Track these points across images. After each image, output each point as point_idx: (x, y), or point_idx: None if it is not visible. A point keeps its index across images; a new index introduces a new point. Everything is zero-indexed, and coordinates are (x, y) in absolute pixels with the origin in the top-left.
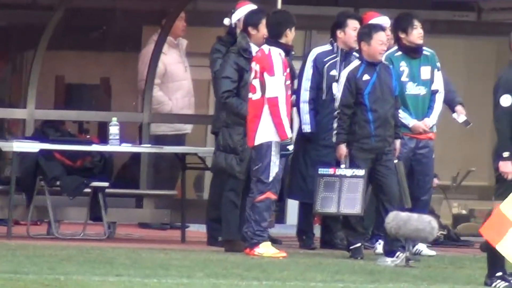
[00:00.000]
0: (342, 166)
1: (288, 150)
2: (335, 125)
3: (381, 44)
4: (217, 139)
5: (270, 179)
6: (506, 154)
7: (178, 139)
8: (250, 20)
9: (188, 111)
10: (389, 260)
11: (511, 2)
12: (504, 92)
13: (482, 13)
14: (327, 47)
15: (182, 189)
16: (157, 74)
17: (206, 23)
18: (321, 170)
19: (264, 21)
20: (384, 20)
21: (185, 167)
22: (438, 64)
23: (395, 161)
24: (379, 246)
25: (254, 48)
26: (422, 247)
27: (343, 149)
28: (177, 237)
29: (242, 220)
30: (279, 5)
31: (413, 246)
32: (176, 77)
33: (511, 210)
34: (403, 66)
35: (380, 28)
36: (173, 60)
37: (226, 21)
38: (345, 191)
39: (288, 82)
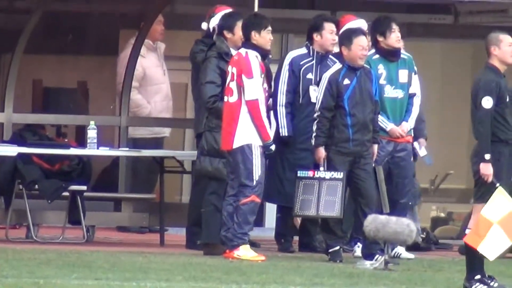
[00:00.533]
0: (321, 169)
1: (271, 150)
2: (314, 127)
3: (361, 49)
4: (200, 143)
5: (254, 182)
6: (487, 156)
7: (156, 143)
8: (225, 23)
9: (167, 115)
10: (368, 263)
11: (488, 5)
12: (485, 94)
13: (459, 16)
14: (303, 50)
15: (160, 192)
16: (136, 77)
17: (184, 26)
18: (300, 173)
19: (239, 24)
20: (361, 23)
21: (163, 171)
22: (415, 68)
23: (374, 165)
24: (358, 249)
25: (233, 52)
26: (401, 250)
27: (322, 151)
28: (155, 240)
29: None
30: (256, 9)
31: (392, 249)
32: (155, 80)
33: (492, 212)
34: (381, 69)
35: (361, 32)
36: (151, 64)
37: (204, 25)
38: (324, 194)
39: (265, 85)
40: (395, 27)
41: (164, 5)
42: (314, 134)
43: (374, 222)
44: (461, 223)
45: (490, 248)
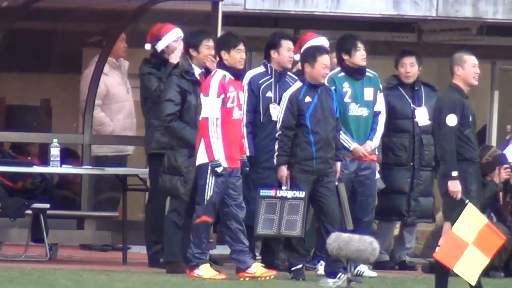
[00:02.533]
0: (284, 188)
1: (216, 171)
2: (276, 146)
3: (324, 67)
4: (162, 161)
5: (205, 202)
6: (455, 173)
7: (120, 160)
8: (190, 41)
9: (130, 132)
10: (330, 281)
11: (451, 24)
12: (449, 112)
13: (422, 34)
14: (261, 68)
15: (123, 210)
16: (99, 95)
17: (142, 44)
18: (263, 192)
19: (205, 43)
20: (322, 41)
21: (126, 189)
22: (381, 86)
23: (337, 183)
24: (321, 267)
25: (196, 70)
26: (363, 268)
27: (284, 170)
28: (118, 258)
29: (185, 242)
30: (219, 28)
31: (355, 267)
32: (118, 98)
33: (464, 230)
34: (346, 87)
35: (324, 51)
36: (115, 81)
37: (147, 46)
38: (286, 213)
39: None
40: (360, 45)
41: (128, 23)
42: (276, 153)
43: (337, 240)
44: (424, 241)
45: (468, 270)
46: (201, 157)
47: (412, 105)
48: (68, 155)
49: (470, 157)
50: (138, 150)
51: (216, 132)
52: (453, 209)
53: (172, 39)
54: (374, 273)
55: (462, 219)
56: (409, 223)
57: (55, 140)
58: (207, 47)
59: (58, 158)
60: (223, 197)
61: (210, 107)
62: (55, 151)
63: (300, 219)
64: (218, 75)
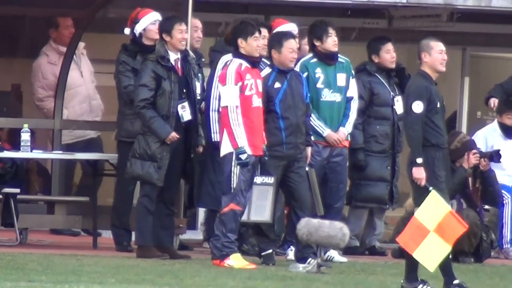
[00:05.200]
0: None
1: (241, 159)
2: None
3: (291, 51)
4: (133, 146)
5: (232, 190)
6: (419, 160)
7: (88, 145)
8: (163, 27)
9: (89, 116)
10: (300, 266)
11: (421, 10)
12: (415, 99)
13: (392, 20)
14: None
15: (93, 195)
16: (48, 86)
17: (115, 30)
18: None
19: (177, 27)
20: (291, 27)
21: (97, 174)
22: (353, 72)
23: (307, 168)
24: (291, 253)
25: (172, 56)
26: (333, 254)
27: None
28: (88, 243)
29: (156, 227)
30: (189, 12)
31: (325, 253)
32: (70, 85)
33: (426, 217)
34: (319, 73)
35: (290, 35)
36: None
37: (126, 31)
38: (255, 199)
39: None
40: (331, 31)
41: (97, 9)
42: None
43: (307, 225)
44: (394, 227)
45: (427, 257)
46: (225, 147)
47: (391, 93)
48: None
49: (437, 143)
50: (107, 136)
51: (237, 119)
52: (420, 196)
53: (149, 21)
54: (344, 259)
55: (424, 206)
56: (392, 210)
57: (25, 125)
58: (179, 31)
59: (29, 143)
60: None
61: (228, 95)
62: (25, 136)
63: (269, 205)
64: (234, 64)
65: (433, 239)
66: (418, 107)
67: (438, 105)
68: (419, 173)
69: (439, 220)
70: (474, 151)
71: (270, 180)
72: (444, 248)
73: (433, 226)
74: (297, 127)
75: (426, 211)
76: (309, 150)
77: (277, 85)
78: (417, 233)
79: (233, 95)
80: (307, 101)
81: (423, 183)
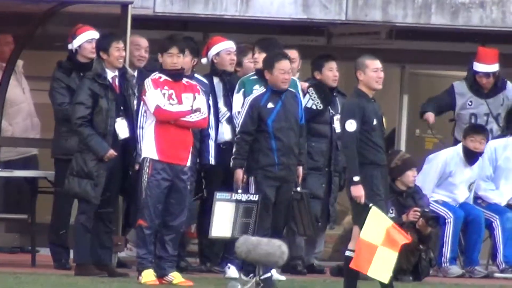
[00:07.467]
0: (239, 191)
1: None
2: (234, 150)
3: (283, 73)
4: (70, 163)
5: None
6: (356, 178)
7: (25, 162)
8: (100, 44)
9: (32, 133)
10: (239, 285)
11: (360, 28)
12: (348, 118)
13: (331, 38)
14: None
15: (31, 213)
16: None
17: (51, 47)
18: (219, 195)
19: (114, 45)
20: (229, 45)
21: (35, 191)
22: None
23: (298, 189)
24: (229, 270)
25: (109, 73)
26: (272, 272)
27: (240, 174)
28: (27, 260)
29: (94, 244)
30: (128, 29)
31: (264, 272)
32: (14, 101)
33: (372, 234)
34: (256, 90)
35: (282, 56)
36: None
37: (70, 46)
38: (240, 216)
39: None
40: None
41: (37, 26)
42: (233, 157)
43: (246, 243)
44: (332, 245)
45: (380, 271)
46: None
47: (331, 111)
48: None
49: (375, 160)
50: (44, 153)
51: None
52: (360, 214)
53: (85, 39)
54: (282, 277)
55: (368, 224)
56: (330, 228)
57: None
58: (116, 48)
59: None
60: None
61: (152, 99)
62: None
63: (253, 223)
64: (152, 76)
65: (382, 252)
66: (351, 125)
67: (375, 123)
68: (358, 191)
69: (383, 234)
70: (414, 208)
71: (255, 198)
72: (392, 256)
73: (380, 241)
74: (290, 148)
75: (370, 228)
76: (300, 169)
77: (270, 105)
78: (366, 252)
79: (156, 97)
80: (301, 122)
81: (362, 200)
